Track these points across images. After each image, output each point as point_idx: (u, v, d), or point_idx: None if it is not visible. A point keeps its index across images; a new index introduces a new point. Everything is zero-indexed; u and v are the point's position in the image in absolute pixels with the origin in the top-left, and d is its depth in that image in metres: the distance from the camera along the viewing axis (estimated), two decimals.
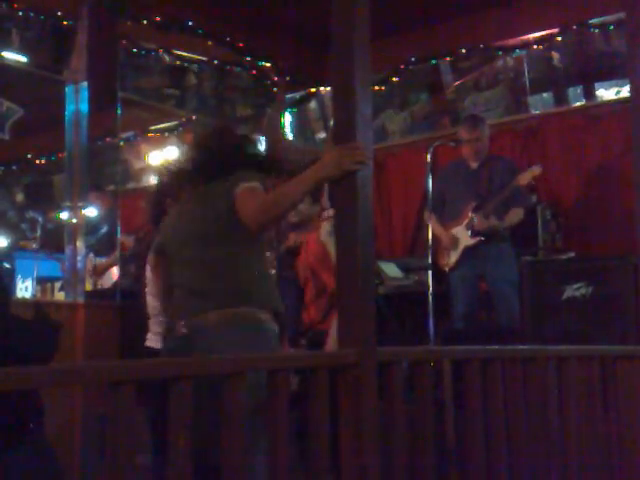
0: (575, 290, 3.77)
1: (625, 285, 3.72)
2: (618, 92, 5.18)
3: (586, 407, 2.67)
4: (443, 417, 2.86)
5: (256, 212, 2.27)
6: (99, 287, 5.34)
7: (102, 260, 5.41)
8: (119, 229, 5.23)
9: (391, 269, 4.80)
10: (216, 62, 5.65)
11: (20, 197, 7.59)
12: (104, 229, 5.40)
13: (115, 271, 5.38)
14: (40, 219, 5.87)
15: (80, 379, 1.62)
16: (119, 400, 1.48)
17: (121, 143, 6.14)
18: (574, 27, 5.14)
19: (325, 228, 3.33)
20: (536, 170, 4.39)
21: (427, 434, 2.07)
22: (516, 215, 4.45)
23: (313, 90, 6.16)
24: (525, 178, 4.38)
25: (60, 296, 5.07)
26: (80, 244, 4.64)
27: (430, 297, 4.33)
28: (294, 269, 3.60)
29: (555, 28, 5.23)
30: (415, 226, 5.61)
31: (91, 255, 4.95)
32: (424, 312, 4.35)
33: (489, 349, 2.48)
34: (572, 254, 4.58)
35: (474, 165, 4.63)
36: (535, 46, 5.35)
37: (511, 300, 4.24)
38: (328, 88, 5.82)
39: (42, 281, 5.49)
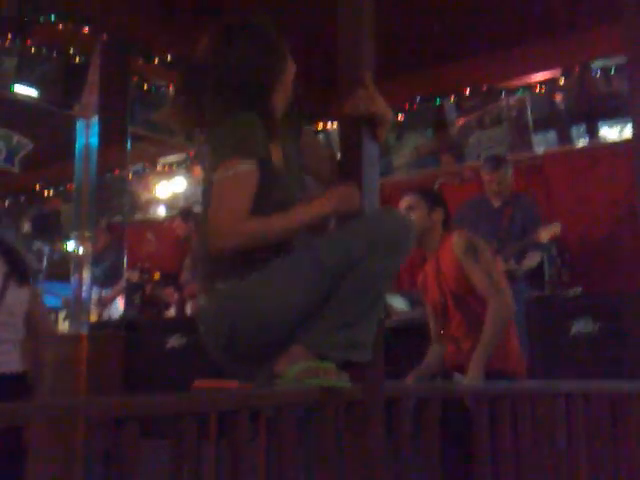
0: (583, 326, 3.76)
1: (632, 322, 3.71)
2: (621, 131, 5.23)
3: (595, 445, 2.65)
4: (451, 454, 2.83)
5: (229, 229, 1.71)
6: (104, 318, 5.35)
7: (108, 291, 5.43)
8: (126, 260, 5.26)
9: (397, 302, 4.79)
10: None
11: (27, 227, 7.64)
12: (110, 261, 5.43)
13: (121, 302, 5.40)
14: (46, 250, 5.91)
15: (82, 415, 1.61)
16: (123, 437, 1.47)
17: (130, 175, 6.20)
18: (576, 70, 5.23)
19: (459, 244, 2.94)
20: (556, 229, 4.39)
21: (435, 471, 2.06)
22: (533, 259, 4.47)
23: (320, 126, 6.22)
24: (545, 235, 4.39)
25: (64, 327, 5.08)
26: (86, 274, 4.67)
27: None
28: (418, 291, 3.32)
29: (558, 70, 5.31)
30: (421, 258, 5.60)
31: (94, 288, 4.96)
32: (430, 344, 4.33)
33: (498, 386, 2.47)
34: (579, 289, 4.57)
35: (497, 204, 4.61)
36: (538, 87, 5.42)
37: (522, 342, 4.23)
38: (335, 124, 5.88)
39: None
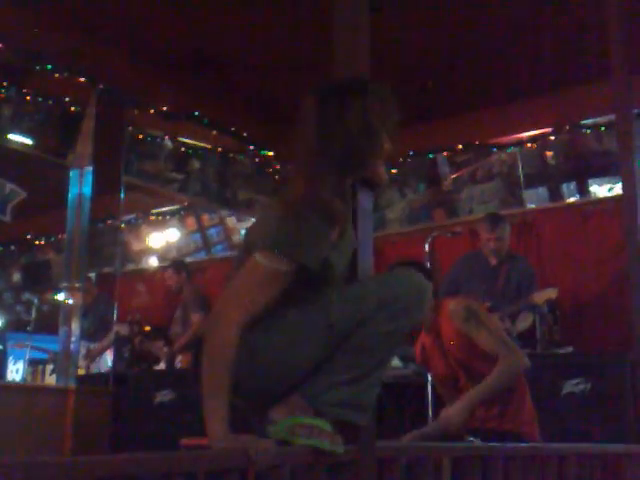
0: (574, 386, 3.73)
1: (623, 382, 3.68)
2: (611, 189, 5.28)
3: None
4: None
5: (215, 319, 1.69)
6: (92, 371, 5.27)
7: (96, 345, 5.37)
8: (116, 311, 5.21)
9: None
10: (220, 150, 5.78)
11: (17, 277, 7.57)
12: (99, 313, 5.38)
13: (109, 355, 5.33)
14: (36, 301, 5.85)
15: (66, 475, 1.55)
16: None
17: (122, 225, 6.19)
18: (567, 127, 5.32)
19: (458, 313, 2.94)
20: (553, 293, 4.41)
21: None
22: (527, 321, 4.49)
23: None
24: (541, 298, 4.41)
25: (51, 380, 4.99)
26: (75, 326, 4.60)
27: (429, 387, 4.27)
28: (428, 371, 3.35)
29: (548, 128, 5.40)
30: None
31: (83, 342, 4.90)
32: (423, 402, 4.28)
33: (489, 447, 2.42)
34: (570, 348, 4.55)
35: (493, 262, 4.63)
36: (529, 144, 5.51)
37: None
38: None
39: (34, 363, 5.42)
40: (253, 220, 6.47)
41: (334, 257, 1.77)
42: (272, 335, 1.73)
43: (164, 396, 4.47)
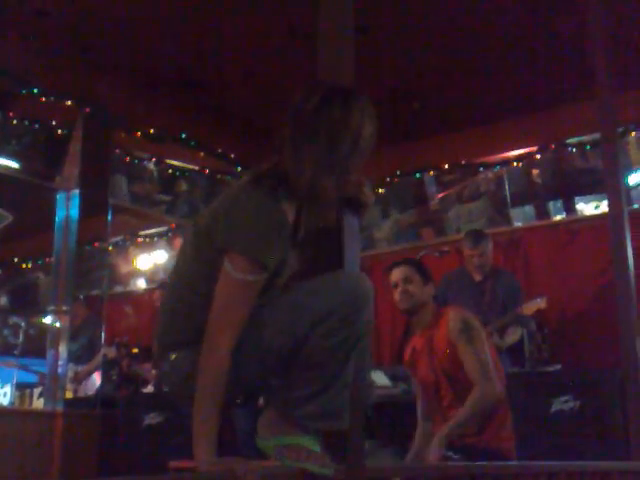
0: (563, 403, 3.73)
1: (612, 399, 3.69)
2: (597, 206, 5.32)
3: None
4: None
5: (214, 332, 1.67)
6: (80, 394, 5.22)
7: (82, 367, 5.32)
8: (103, 334, 5.17)
9: (379, 377, 4.74)
10: (207, 171, 5.79)
11: (4, 300, 7.52)
12: (87, 336, 5.34)
13: (97, 378, 5.28)
14: (23, 324, 5.80)
15: None
16: None
17: (110, 247, 6.17)
18: (552, 146, 5.37)
19: (455, 324, 2.98)
20: (542, 303, 4.42)
21: None
22: (515, 334, 4.50)
23: None
24: (529, 309, 4.42)
25: (39, 404, 4.94)
26: (62, 349, 4.57)
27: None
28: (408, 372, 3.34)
29: (534, 147, 5.45)
30: (404, 333, 5.58)
31: (70, 364, 4.87)
32: (413, 421, 4.27)
33: (477, 465, 2.42)
34: (559, 366, 4.56)
35: (478, 278, 4.66)
36: (515, 163, 5.55)
37: None
38: None
39: (21, 387, 5.37)
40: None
41: (288, 263, 1.77)
42: None
43: (152, 419, 4.44)
